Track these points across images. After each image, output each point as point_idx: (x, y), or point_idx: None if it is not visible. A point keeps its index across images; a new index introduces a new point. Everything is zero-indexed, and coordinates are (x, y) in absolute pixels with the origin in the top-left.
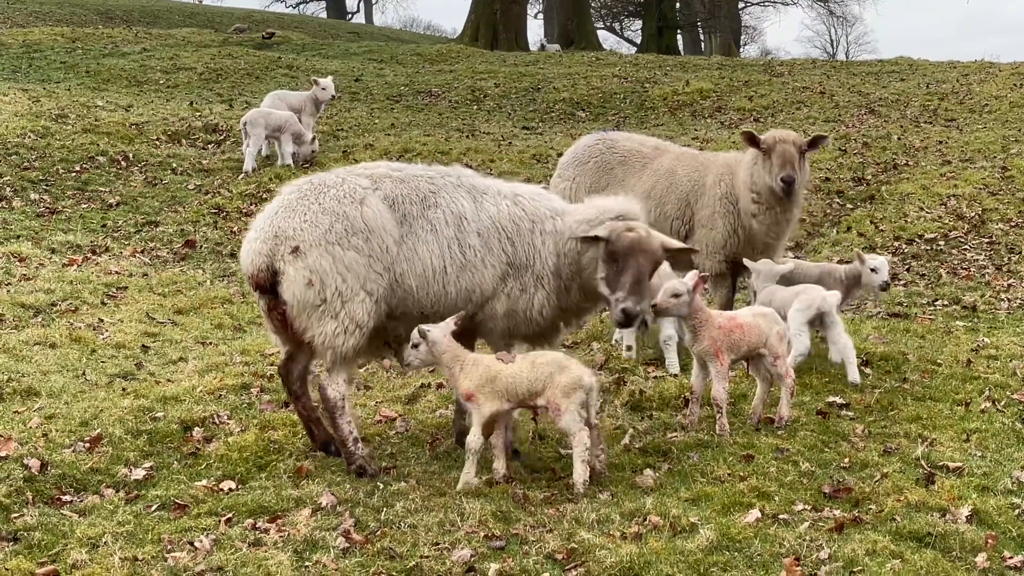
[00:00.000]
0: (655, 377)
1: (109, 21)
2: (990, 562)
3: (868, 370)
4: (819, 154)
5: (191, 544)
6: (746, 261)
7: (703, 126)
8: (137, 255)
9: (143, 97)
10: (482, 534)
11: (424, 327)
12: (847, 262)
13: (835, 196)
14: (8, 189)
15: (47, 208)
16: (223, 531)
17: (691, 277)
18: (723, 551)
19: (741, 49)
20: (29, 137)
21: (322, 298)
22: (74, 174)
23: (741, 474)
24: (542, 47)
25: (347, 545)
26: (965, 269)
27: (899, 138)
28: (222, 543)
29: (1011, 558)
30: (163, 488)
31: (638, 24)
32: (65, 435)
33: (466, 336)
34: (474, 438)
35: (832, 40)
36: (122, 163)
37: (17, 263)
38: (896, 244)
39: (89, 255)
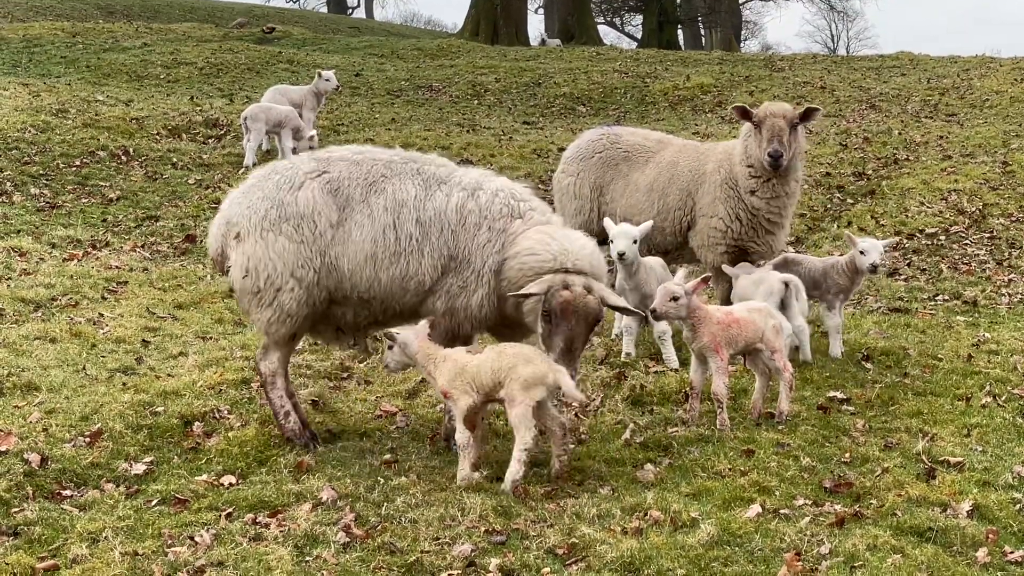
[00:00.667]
0: (656, 372)
1: (109, 16)
2: (991, 557)
3: (869, 365)
4: (820, 148)
5: (191, 539)
6: (725, 268)
7: (704, 121)
8: (137, 250)
9: (143, 92)
10: (483, 529)
11: (392, 330)
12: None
13: (836, 191)
14: (8, 184)
15: (47, 203)
16: (223, 526)
17: (681, 277)
18: (724, 546)
19: (742, 44)
20: (29, 132)
21: (257, 286)
22: (74, 169)
23: (742, 469)
24: (543, 42)
25: (348, 540)
26: (966, 264)
27: (900, 133)
28: (222, 538)
29: (1012, 553)
30: (163, 483)
31: (639, 19)
32: (65, 430)
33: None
34: (460, 434)
35: (833, 35)
36: (122, 158)
37: (17, 258)
38: (897, 239)
39: (89, 250)
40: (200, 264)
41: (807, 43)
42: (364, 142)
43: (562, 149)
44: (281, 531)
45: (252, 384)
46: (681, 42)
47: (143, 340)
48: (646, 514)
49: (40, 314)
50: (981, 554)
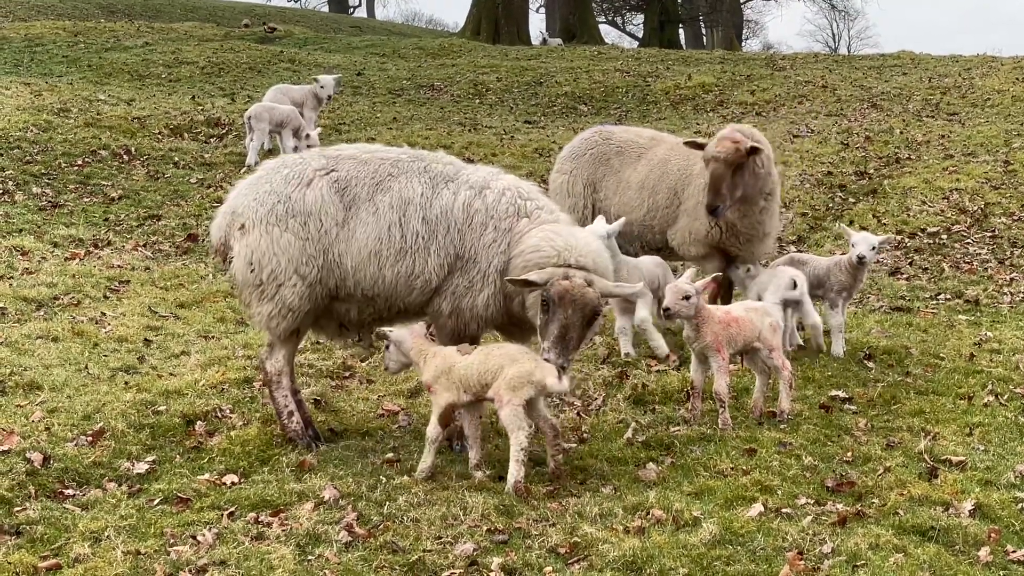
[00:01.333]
0: (657, 371)
1: (111, 15)
2: (993, 556)
3: (871, 364)
4: (822, 148)
5: (194, 538)
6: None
7: (705, 120)
8: (139, 249)
9: (145, 91)
10: (485, 528)
11: (384, 329)
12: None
13: (837, 190)
14: (10, 183)
15: (49, 202)
16: (225, 525)
17: (689, 276)
18: (726, 545)
19: (743, 43)
20: (31, 131)
21: (259, 279)
22: (76, 168)
23: (744, 468)
24: (544, 41)
25: (350, 539)
26: (968, 263)
27: (901, 132)
28: (224, 537)
29: (1014, 552)
30: (166, 482)
31: (640, 18)
32: (67, 429)
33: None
34: (431, 428)
35: (834, 34)
36: (124, 157)
37: (19, 257)
38: (899, 238)
39: (91, 249)
40: (202, 263)
41: (808, 42)
42: (366, 141)
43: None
44: (283, 530)
45: (254, 383)
46: (683, 41)
47: (145, 339)
48: (648, 513)
49: (42, 313)
50: (983, 553)
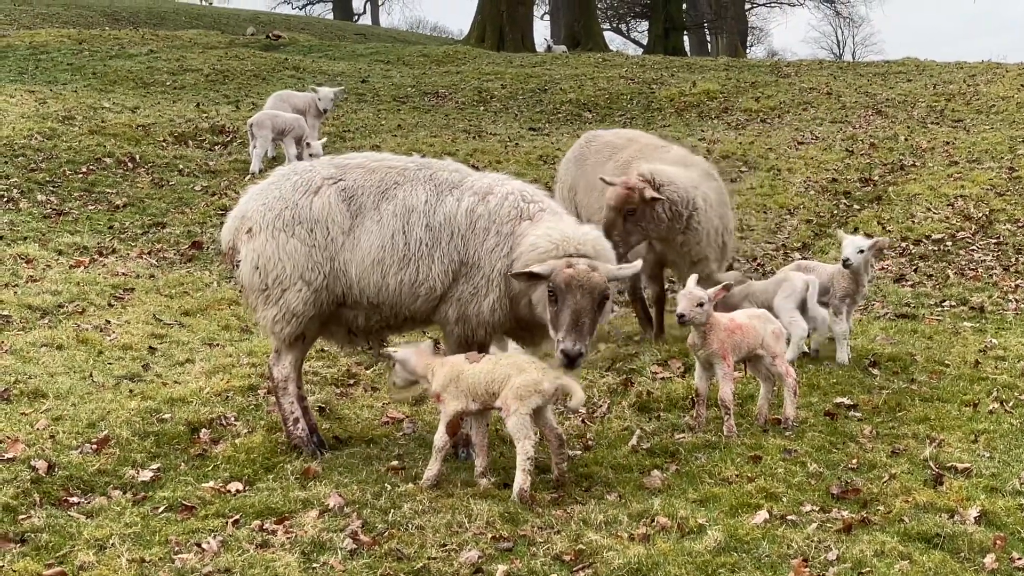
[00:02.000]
0: (662, 378)
1: (116, 23)
2: (998, 563)
3: (876, 371)
4: (826, 155)
5: (198, 545)
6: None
7: (710, 127)
8: (144, 256)
9: (150, 98)
10: (490, 535)
11: (387, 350)
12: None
13: (842, 197)
14: (15, 191)
15: (54, 210)
16: (230, 532)
17: (693, 281)
18: (731, 552)
19: (748, 50)
20: (36, 139)
21: (265, 283)
22: (81, 175)
23: (749, 475)
24: (548, 48)
25: (354, 546)
26: (972, 270)
27: (906, 139)
28: (229, 544)
29: (1020, 559)
30: (170, 489)
31: (644, 25)
32: (72, 437)
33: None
34: (439, 436)
35: (839, 41)
36: (129, 164)
37: (24, 264)
38: (903, 245)
39: (96, 256)
40: (207, 271)
41: (813, 49)
42: (370, 149)
43: None
44: (288, 538)
45: (259, 391)
46: (687, 48)
47: (150, 347)
48: (653, 520)
49: (47, 321)
50: (988, 560)
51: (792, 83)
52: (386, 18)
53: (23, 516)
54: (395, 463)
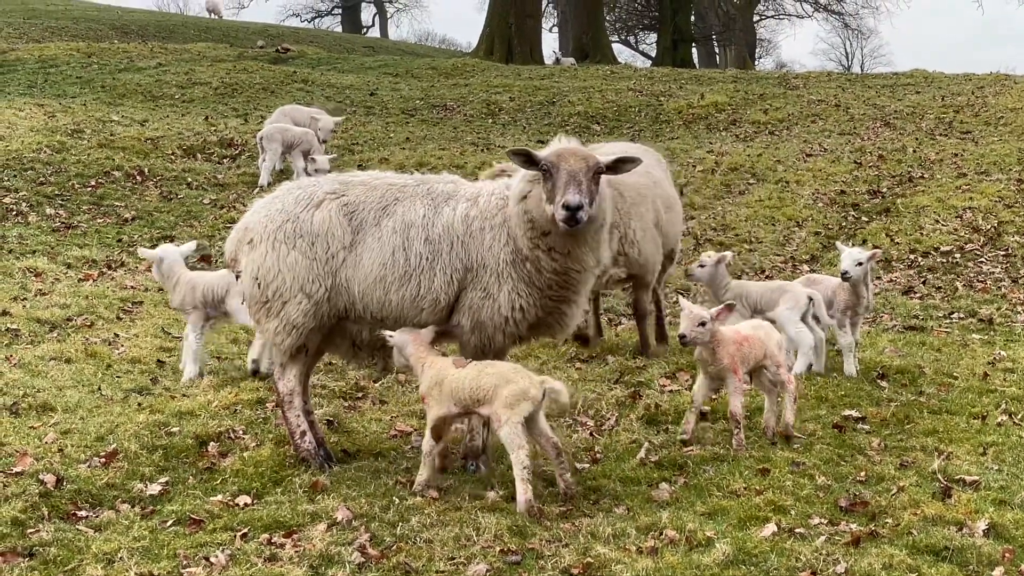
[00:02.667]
0: (671, 391)
1: (125, 36)
2: None
3: (884, 383)
4: (835, 167)
5: (207, 559)
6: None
7: (718, 139)
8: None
9: (158, 112)
10: (498, 549)
11: (387, 332)
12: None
13: (850, 209)
14: (24, 204)
15: (63, 223)
16: (239, 546)
17: (690, 304)
18: (739, 565)
19: (756, 62)
20: (45, 152)
21: (265, 295)
22: (89, 189)
23: (757, 488)
24: (557, 60)
25: (363, 560)
26: (981, 282)
27: (914, 151)
28: (238, 558)
29: None
30: (179, 503)
31: (653, 37)
32: (81, 450)
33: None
34: (425, 441)
35: (847, 53)
36: (137, 178)
37: (33, 278)
38: (912, 257)
39: (105, 270)
40: None
41: (822, 61)
42: (379, 161)
43: None
44: (296, 551)
45: (267, 404)
46: (695, 60)
47: (158, 360)
48: (661, 533)
49: (56, 334)
50: (997, 573)
51: (800, 95)
52: (395, 31)
53: (31, 530)
54: (403, 476)
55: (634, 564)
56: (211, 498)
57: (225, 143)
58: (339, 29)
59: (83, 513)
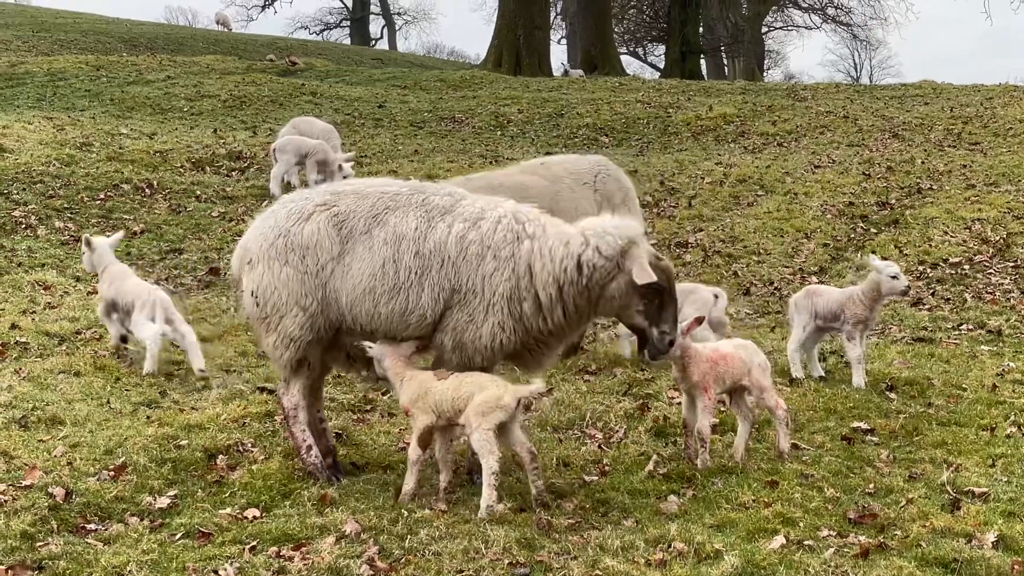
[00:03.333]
0: (679, 403)
1: (133, 49)
2: None
3: (893, 395)
4: (843, 178)
5: (215, 572)
6: None
7: (726, 151)
8: (161, 283)
9: (167, 125)
10: (506, 561)
11: (365, 343)
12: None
13: (859, 220)
14: (33, 217)
15: (72, 236)
16: (247, 559)
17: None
18: None
19: (765, 73)
20: (54, 165)
21: (264, 312)
22: (98, 202)
23: (766, 500)
24: (565, 72)
25: (371, 573)
26: (990, 293)
27: (923, 162)
28: (246, 571)
29: None
30: (187, 516)
31: (661, 49)
32: (89, 463)
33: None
34: (411, 449)
35: (856, 64)
36: (146, 191)
37: (42, 291)
38: (921, 268)
39: None
40: (224, 296)
41: (830, 72)
42: (387, 174)
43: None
44: (305, 564)
45: (276, 417)
46: (704, 72)
47: (167, 373)
48: (670, 546)
49: (64, 347)
50: None
51: (809, 107)
52: (403, 43)
53: (40, 543)
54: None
55: None
56: (220, 511)
57: (234, 156)
58: (348, 41)
59: (92, 526)
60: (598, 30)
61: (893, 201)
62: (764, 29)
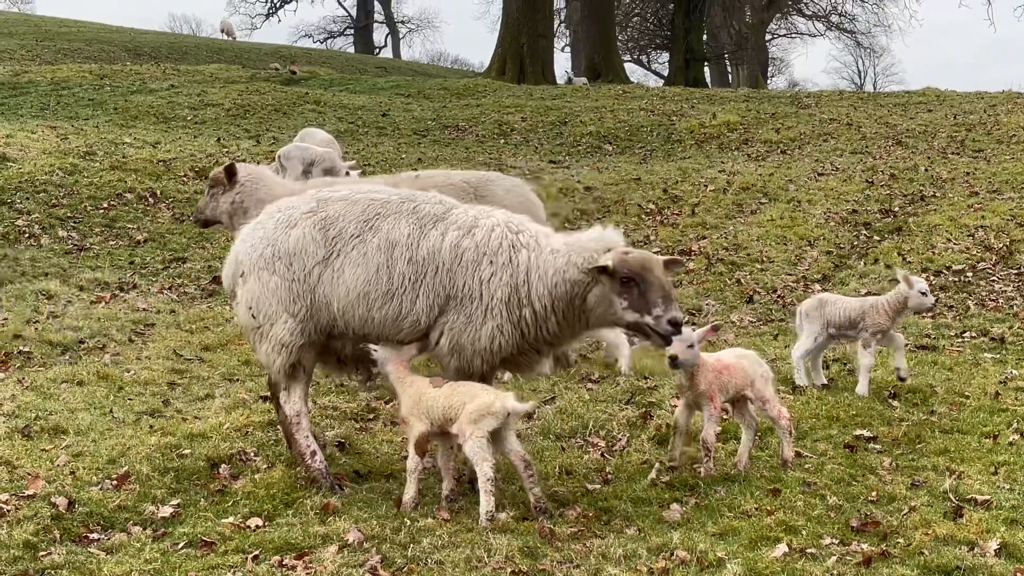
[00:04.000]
0: None
1: (137, 58)
2: None
3: (896, 403)
4: (846, 186)
5: None
6: None
7: (730, 158)
8: (164, 292)
9: (171, 133)
10: (509, 570)
11: (371, 346)
12: (874, 293)
13: (862, 228)
14: (36, 226)
15: (75, 245)
16: (250, 568)
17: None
18: None
19: (768, 81)
20: (57, 174)
21: (257, 323)
22: (102, 211)
23: (768, 508)
24: (569, 80)
25: None
26: (993, 300)
27: (926, 169)
28: None
29: None
30: (190, 525)
31: (665, 56)
32: (92, 473)
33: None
34: (410, 459)
35: (860, 71)
36: (150, 200)
37: (45, 300)
38: (924, 276)
39: (117, 292)
40: (227, 306)
41: (834, 79)
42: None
43: (588, 188)
44: (308, 573)
45: (278, 426)
46: (708, 79)
47: (170, 383)
48: (672, 554)
49: (68, 357)
50: None
51: (812, 114)
52: (407, 51)
53: (43, 553)
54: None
55: None
56: (222, 520)
57: None
58: (352, 50)
59: (95, 536)
60: (602, 38)
61: (896, 208)
62: (768, 36)
